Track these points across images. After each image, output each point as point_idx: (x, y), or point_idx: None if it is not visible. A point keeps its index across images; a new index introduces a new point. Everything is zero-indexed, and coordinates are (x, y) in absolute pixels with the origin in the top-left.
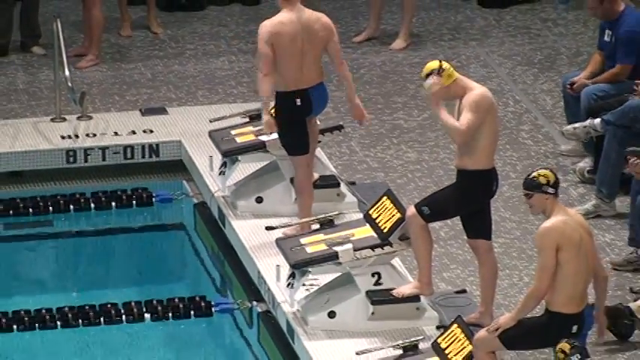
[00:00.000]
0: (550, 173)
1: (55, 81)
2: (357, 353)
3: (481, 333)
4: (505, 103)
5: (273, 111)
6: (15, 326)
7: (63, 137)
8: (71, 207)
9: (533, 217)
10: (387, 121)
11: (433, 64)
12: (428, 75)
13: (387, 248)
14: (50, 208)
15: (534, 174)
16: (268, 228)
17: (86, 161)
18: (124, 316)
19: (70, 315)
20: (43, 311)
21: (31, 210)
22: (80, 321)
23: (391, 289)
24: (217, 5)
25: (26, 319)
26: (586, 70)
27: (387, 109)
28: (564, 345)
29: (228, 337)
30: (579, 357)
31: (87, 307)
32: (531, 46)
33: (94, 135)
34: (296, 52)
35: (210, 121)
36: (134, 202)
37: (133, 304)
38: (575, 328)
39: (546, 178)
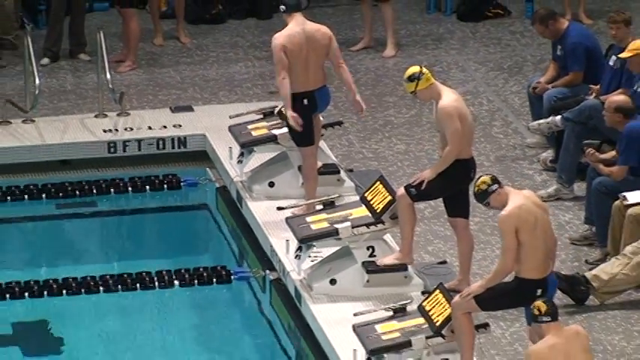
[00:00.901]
0: (484, 178)
1: (98, 83)
2: (354, 314)
3: (458, 297)
4: (480, 102)
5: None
6: (64, 291)
7: (105, 131)
8: (111, 190)
9: None
10: (380, 118)
11: (414, 69)
12: (410, 77)
13: (379, 226)
14: (94, 191)
15: (475, 188)
16: (279, 208)
17: (124, 151)
18: (156, 283)
19: (110, 282)
20: (88, 278)
21: (77, 193)
22: (119, 287)
23: (383, 261)
24: (235, 19)
25: (73, 285)
26: (545, 75)
27: (380, 108)
28: (541, 305)
29: (245, 300)
30: (549, 319)
31: (125, 275)
32: (502, 54)
33: (131, 129)
34: (302, 59)
35: (230, 117)
36: (165, 186)
37: (164, 272)
38: (539, 292)
39: (485, 183)
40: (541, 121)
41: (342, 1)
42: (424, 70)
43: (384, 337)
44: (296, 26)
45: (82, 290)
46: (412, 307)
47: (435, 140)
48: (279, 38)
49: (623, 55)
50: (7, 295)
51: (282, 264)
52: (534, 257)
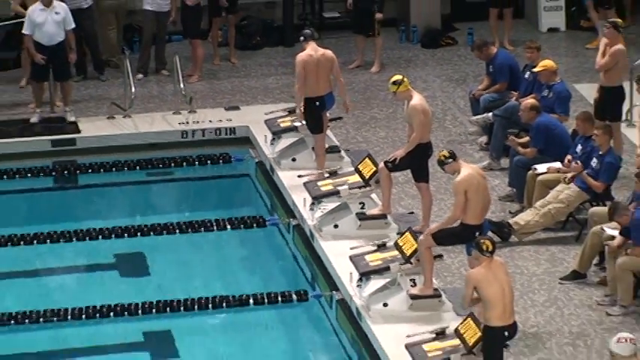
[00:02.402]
0: (444, 152)
1: (175, 91)
2: (350, 248)
3: (421, 237)
4: (436, 104)
5: (302, 107)
6: (151, 232)
7: (180, 123)
8: (184, 164)
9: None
10: (368, 114)
11: (398, 76)
12: (394, 82)
13: (368, 188)
14: (172, 164)
15: (437, 158)
16: (299, 176)
17: (193, 137)
18: (214, 227)
19: (183, 225)
20: (168, 223)
21: (160, 166)
22: (189, 229)
23: (370, 212)
24: (269, 47)
25: (158, 227)
26: (481, 85)
27: (368, 107)
28: (489, 244)
29: (275, 240)
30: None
31: (193, 221)
32: (451, 70)
33: (197, 122)
34: (314, 74)
35: (265, 114)
36: (221, 161)
37: (220, 220)
38: (477, 233)
39: (443, 156)
40: (478, 116)
41: (342, 34)
42: (404, 78)
43: (371, 264)
44: (311, 50)
45: (164, 232)
46: (390, 244)
47: (405, 129)
48: (300, 58)
49: (535, 69)
50: (113, 235)
51: (300, 214)
52: (475, 209)
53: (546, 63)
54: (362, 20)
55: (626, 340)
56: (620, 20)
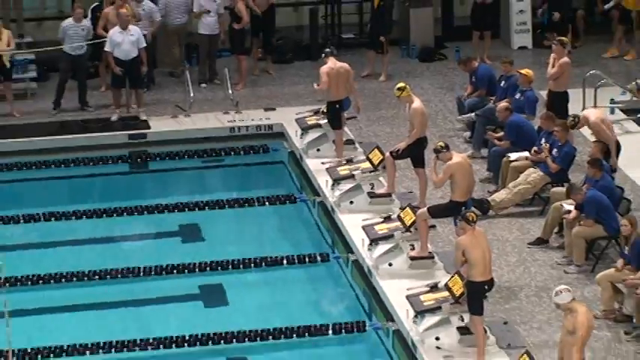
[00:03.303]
0: (441, 143)
1: (225, 96)
2: (362, 220)
3: (419, 211)
4: (431, 106)
5: (325, 109)
6: (206, 207)
7: (228, 121)
8: (232, 153)
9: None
10: (377, 114)
11: (402, 83)
12: (399, 88)
13: (376, 172)
14: (222, 153)
15: (434, 147)
16: (323, 163)
17: (239, 132)
18: (256, 203)
19: (231, 201)
20: (219, 200)
21: (213, 154)
22: (235, 205)
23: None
24: (299, 61)
25: (211, 203)
26: (466, 92)
27: (377, 109)
28: (474, 216)
29: (303, 213)
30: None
31: (239, 198)
32: (443, 80)
33: (242, 120)
34: (335, 82)
35: (296, 114)
36: (261, 151)
37: (261, 197)
38: (463, 209)
39: (440, 145)
40: (464, 116)
41: (356, 51)
42: (407, 86)
43: (379, 232)
44: (331, 63)
45: (216, 207)
46: (394, 216)
47: (406, 126)
48: (323, 69)
49: (521, 72)
50: (176, 210)
51: (324, 193)
52: (462, 189)
53: (528, 71)
54: (373, 40)
55: (562, 292)
56: (565, 39)
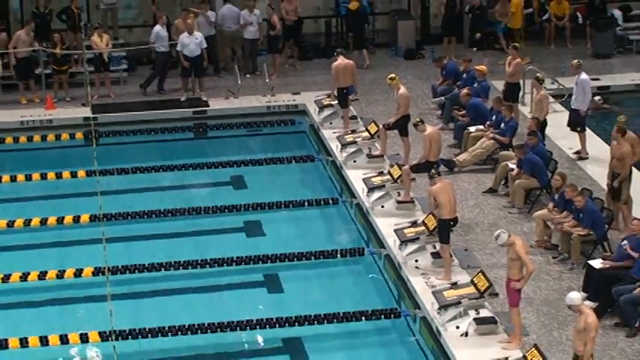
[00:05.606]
0: (417, 119)
1: (263, 83)
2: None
3: (404, 167)
4: (413, 91)
5: (335, 93)
6: (242, 164)
7: (266, 102)
8: (268, 125)
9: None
10: (373, 97)
11: (392, 74)
12: (391, 77)
13: (372, 139)
14: (261, 125)
15: (413, 122)
16: (334, 132)
17: (273, 110)
18: (285, 161)
19: (268, 160)
20: (256, 159)
21: (255, 125)
22: (272, 163)
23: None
24: (317, 58)
25: (249, 164)
26: (439, 82)
27: (372, 94)
28: (433, 172)
29: (320, 170)
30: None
31: (275, 157)
32: (421, 73)
33: (276, 101)
34: (342, 74)
35: (315, 97)
36: (289, 123)
37: (288, 156)
38: (435, 166)
39: (417, 120)
40: (436, 99)
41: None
42: (396, 76)
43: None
44: (340, 60)
45: (257, 164)
46: (385, 171)
47: (394, 106)
48: (334, 65)
49: (477, 68)
50: (227, 166)
51: (334, 153)
52: (435, 152)
53: (482, 67)
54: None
55: (499, 235)
56: (518, 45)
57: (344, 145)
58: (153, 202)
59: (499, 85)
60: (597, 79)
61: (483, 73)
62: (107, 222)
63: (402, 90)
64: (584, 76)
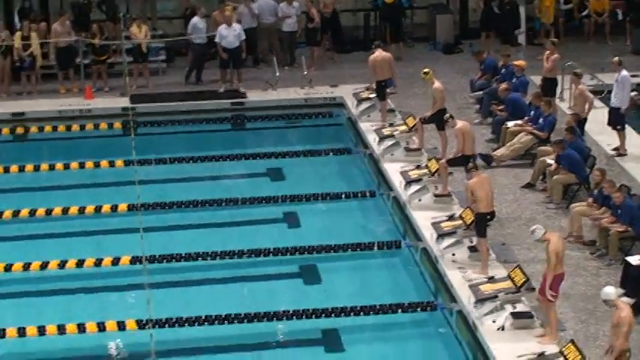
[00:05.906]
0: (447, 115)
1: (301, 75)
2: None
3: (441, 161)
4: (451, 86)
5: (375, 85)
6: (279, 156)
7: (304, 94)
8: (305, 117)
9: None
10: (410, 91)
11: (427, 69)
12: (425, 72)
13: (410, 133)
14: (299, 117)
15: (444, 119)
16: (372, 125)
17: (311, 102)
18: (323, 153)
19: (307, 153)
20: (294, 151)
21: (293, 117)
22: (309, 155)
23: (412, 147)
24: (356, 51)
25: (286, 156)
26: (477, 76)
27: (410, 87)
28: (477, 165)
29: (358, 162)
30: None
31: (313, 150)
32: (459, 66)
33: (315, 93)
34: (380, 67)
35: (353, 90)
36: (327, 115)
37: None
38: (472, 159)
39: (447, 116)
40: (475, 93)
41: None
42: (430, 71)
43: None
44: (378, 53)
45: (294, 155)
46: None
47: (430, 100)
48: (371, 58)
49: (515, 63)
50: (265, 157)
51: (371, 146)
52: (469, 146)
53: (521, 62)
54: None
55: (534, 231)
56: (556, 40)
57: (381, 138)
58: (189, 193)
59: (537, 80)
60: (636, 76)
61: (522, 68)
62: (144, 211)
63: (437, 84)
64: (624, 73)
